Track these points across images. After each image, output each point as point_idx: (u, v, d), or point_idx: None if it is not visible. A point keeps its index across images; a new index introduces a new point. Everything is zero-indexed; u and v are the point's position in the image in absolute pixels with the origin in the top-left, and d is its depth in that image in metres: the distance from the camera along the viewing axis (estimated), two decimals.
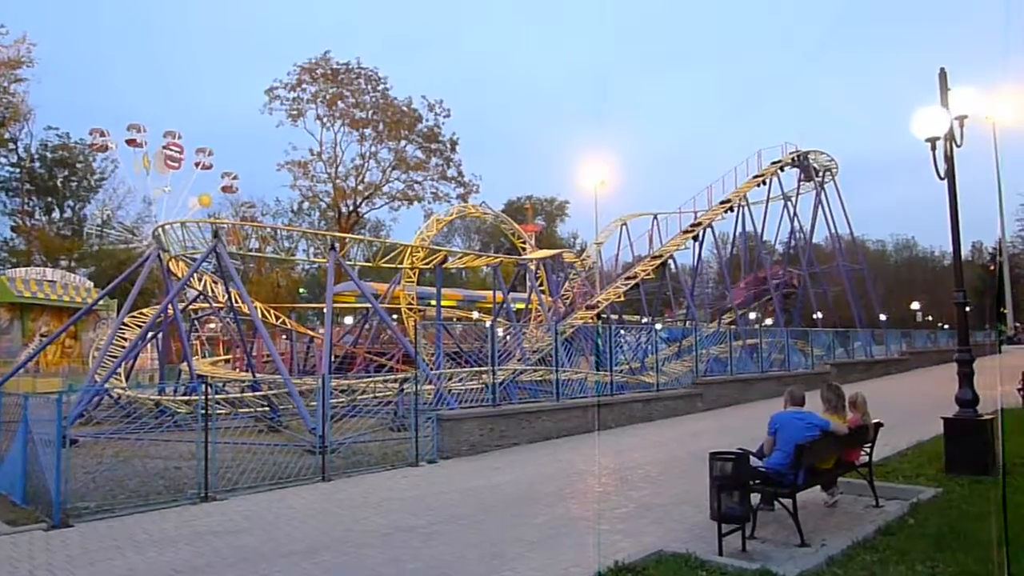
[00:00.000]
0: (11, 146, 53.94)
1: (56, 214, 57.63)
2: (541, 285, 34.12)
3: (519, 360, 22.05)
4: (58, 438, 8.96)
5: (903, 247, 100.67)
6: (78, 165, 57.45)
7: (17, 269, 41.78)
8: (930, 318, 77.56)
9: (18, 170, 55.02)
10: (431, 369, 18.41)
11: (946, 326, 68.63)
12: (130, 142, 52.22)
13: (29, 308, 38.37)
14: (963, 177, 9.82)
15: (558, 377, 17.08)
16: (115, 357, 23.40)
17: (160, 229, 23.00)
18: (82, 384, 22.22)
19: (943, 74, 9.63)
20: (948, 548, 6.11)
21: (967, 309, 10.15)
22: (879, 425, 8.32)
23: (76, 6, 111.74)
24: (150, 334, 25.78)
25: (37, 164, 56.11)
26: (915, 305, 72.29)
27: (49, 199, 56.98)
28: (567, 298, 37.91)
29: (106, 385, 19.57)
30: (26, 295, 37.61)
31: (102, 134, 52.80)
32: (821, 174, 43.66)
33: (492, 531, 7.85)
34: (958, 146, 9.57)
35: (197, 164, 55.06)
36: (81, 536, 8.24)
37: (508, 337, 23.37)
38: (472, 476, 11.80)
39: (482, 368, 17.15)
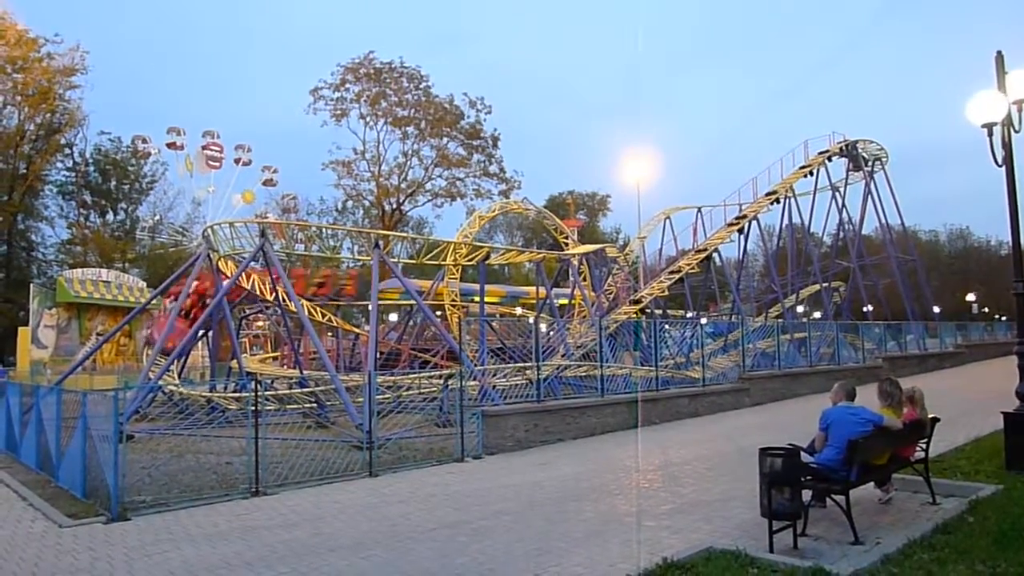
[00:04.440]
0: (67, 151, 55.84)
1: (110, 216, 59.39)
2: (584, 280, 33.98)
3: (563, 356, 22.00)
4: (115, 434, 9.20)
5: (957, 237, 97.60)
6: (129, 168, 59.11)
7: (74, 270, 43.14)
8: (986, 310, 75.16)
9: (74, 175, 56.87)
10: (475, 365, 18.51)
11: (1003, 318, 66.57)
12: (170, 145, 53.32)
13: (86, 308, 39.72)
14: (1021, 163, 9.52)
15: (603, 373, 16.96)
16: (168, 355, 24.01)
17: (209, 229, 23.52)
18: (137, 381, 22.88)
19: (1000, 57, 9.30)
20: (1011, 547, 5.89)
21: None
22: (935, 420, 8.09)
23: (124, 11, 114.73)
24: (201, 332, 26.41)
25: (92, 168, 57.91)
26: (971, 296, 70.06)
27: (103, 202, 58.73)
28: (611, 293, 37.70)
29: (159, 382, 20.09)
30: (83, 295, 38.94)
31: (144, 140, 54.11)
32: (870, 163, 42.55)
33: (538, 527, 7.85)
34: (1016, 131, 9.23)
35: (237, 161, 55.96)
36: (138, 529, 8.47)
37: (552, 333, 23.34)
38: (517, 472, 11.81)
39: (526, 364, 17.15)
